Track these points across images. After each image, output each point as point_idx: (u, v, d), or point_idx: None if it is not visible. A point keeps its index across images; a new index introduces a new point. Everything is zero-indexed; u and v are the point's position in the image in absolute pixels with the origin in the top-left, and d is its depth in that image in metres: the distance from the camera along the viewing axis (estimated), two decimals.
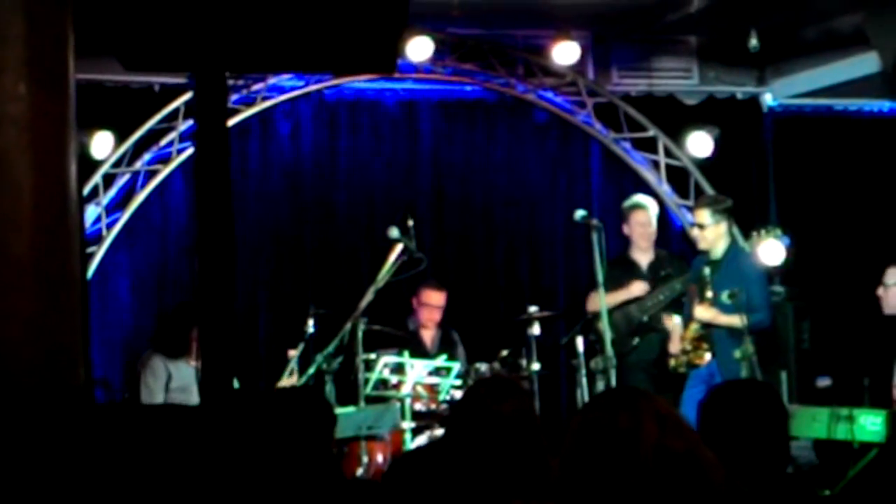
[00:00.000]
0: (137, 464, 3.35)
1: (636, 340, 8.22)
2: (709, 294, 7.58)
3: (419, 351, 8.19)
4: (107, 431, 3.25)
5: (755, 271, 7.84)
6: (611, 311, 8.28)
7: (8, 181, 2.99)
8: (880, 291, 7.24)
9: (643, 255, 8.44)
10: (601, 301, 7.77)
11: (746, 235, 8.84)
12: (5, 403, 2.84)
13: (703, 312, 7.60)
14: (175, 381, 7.18)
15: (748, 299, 7.48)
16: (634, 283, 8.28)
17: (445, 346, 8.52)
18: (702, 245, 7.83)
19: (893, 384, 7.16)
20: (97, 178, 8.72)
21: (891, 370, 7.29)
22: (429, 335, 8.57)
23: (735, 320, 7.37)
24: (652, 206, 8.51)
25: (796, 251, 8.64)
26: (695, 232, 7.93)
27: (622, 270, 8.45)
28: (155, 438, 3.45)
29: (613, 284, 8.36)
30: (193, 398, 7.00)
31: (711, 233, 7.75)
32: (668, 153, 9.69)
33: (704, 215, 7.78)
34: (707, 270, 7.63)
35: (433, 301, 8.49)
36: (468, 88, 9.63)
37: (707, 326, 7.63)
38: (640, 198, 8.60)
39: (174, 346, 7.19)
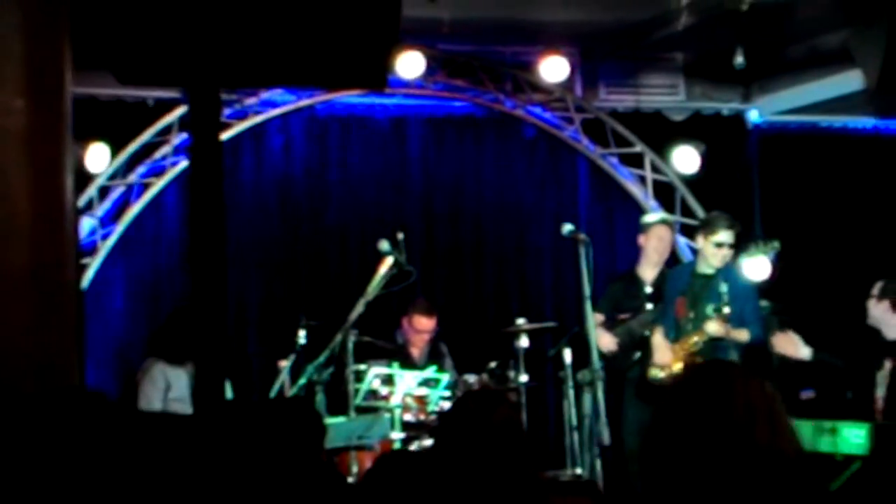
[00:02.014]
0: (127, 471, 3.41)
1: (637, 355, 8.25)
2: (726, 310, 7.56)
3: (407, 363, 8.23)
4: (100, 435, 3.31)
5: (748, 287, 7.88)
6: (612, 327, 8.37)
7: (5, 193, 3.06)
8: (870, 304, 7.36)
9: (650, 271, 8.46)
10: (588, 314, 7.82)
11: (739, 249, 8.93)
12: (2, 413, 2.89)
13: (718, 328, 7.60)
14: (174, 391, 7.17)
15: (742, 314, 7.53)
16: (603, 337, 8.31)
17: (433, 357, 8.56)
18: (719, 263, 7.77)
19: (876, 397, 7.23)
20: (92, 191, 8.77)
21: (873, 383, 7.35)
22: (417, 349, 8.63)
23: (744, 335, 7.46)
24: (674, 226, 8.58)
25: (781, 266, 8.70)
26: (724, 251, 7.84)
27: (625, 285, 8.53)
28: (146, 446, 3.51)
29: (615, 299, 8.46)
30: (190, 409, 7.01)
31: (731, 251, 7.82)
32: (654, 169, 9.76)
33: (732, 235, 7.80)
34: (724, 287, 7.61)
35: (423, 326, 8.53)
36: (458, 104, 9.70)
37: (714, 340, 7.64)
38: (665, 215, 8.69)
39: (175, 353, 7.17)
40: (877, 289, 7.32)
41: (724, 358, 7.39)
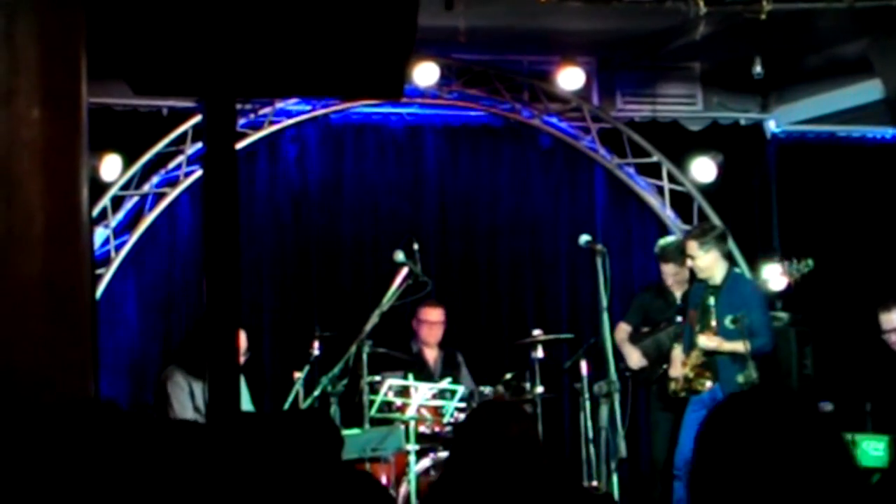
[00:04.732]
0: (142, 484, 3.37)
1: (665, 367, 8.21)
2: (713, 322, 7.57)
3: (423, 372, 8.21)
4: (114, 446, 3.27)
5: (756, 296, 7.86)
6: (641, 339, 8.35)
7: (21, 204, 3.03)
8: (893, 339, 7.32)
9: (678, 287, 8.47)
10: (604, 325, 7.80)
11: (752, 263, 8.89)
12: (16, 421, 2.87)
13: (707, 341, 7.59)
14: (196, 399, 7.20)
15: (750, 324, 7.50)
16: (633, 355, 8.33)
17: (449, 367, 8.52)
18: (699, 275, 7.84)
19: None
20: (106, 201, 8.76)
21: (893, 397, 7.31)
22: (432, 355, 8.58)
23: (739, 346, 7.38)
24: (681, 254, 8.41)
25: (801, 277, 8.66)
26: (688, 263, 7.95)
27: (655, 296, 8.52)
28: (160, 458, 3.48)
29: (644, 310, 8.46)
30: None
31: (703, 262, 7.76)
32: (671, 178, 9.72)
33: (692, 247, 7.79)
34: (712, 300, 7.62)
35: (431, 317, 8.51)
36: (473, 113, 9.68)
37: (710, 354, 7.63)
38: (667, 245, 8.58)
39: (196, 365, 7.18)
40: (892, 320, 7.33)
41: (738, 369, 7.36)
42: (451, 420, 7.75)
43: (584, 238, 8.03)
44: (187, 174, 8.98)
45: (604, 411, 7.84)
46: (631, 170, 9.76)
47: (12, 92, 2.97)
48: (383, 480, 7.30)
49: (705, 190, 9.63)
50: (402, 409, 7.66)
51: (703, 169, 9.54)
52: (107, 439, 2.57)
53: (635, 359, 8.33)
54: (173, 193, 8.98)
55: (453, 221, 9.63)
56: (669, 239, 8.74)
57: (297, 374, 7.68)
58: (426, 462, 7.50)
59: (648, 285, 8.82)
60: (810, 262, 8.10)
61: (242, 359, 7.30)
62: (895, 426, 7.20)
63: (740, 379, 7.31)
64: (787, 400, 2.23)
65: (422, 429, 7.67)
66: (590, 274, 8.13)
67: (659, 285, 8.58)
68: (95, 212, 8.59)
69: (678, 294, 8.42)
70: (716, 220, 9.38)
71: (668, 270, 8.44)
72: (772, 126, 10.14)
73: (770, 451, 2.14)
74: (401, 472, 7.35)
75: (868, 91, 9.24)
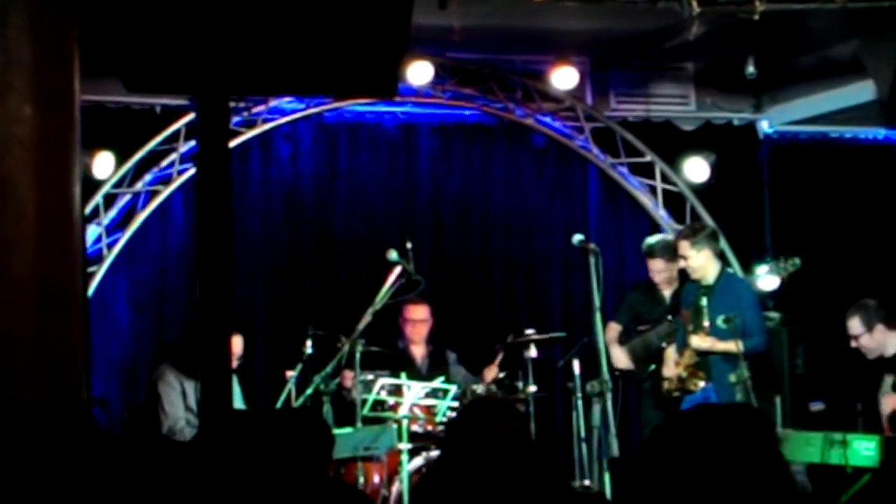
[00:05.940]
0: (135, 487, 3.37)
1: (653, 367, 8.22)
2: (706, 323, 7.57)
3: (412, 371, 8.20)
4: (106, 457, 3.28)
5: (749, 295, 7.87)
6: (631, 338, 8.36)
7: (12, 202, 3.02)
8: (854, 344, 7.34)
9: (667, 285, 8.49)
10: (597, 324, 7.80)
11: (744, 263, 8.89)
12: (7, 426, 2.86)
13: (700, 342, 7.60)
14: (188, 398, 7.20)
15: (743, 324, 7.51)
16: (620, 356, 8.37)
17: (437, 365, 8.51)
18: (692, 275, 7.85)
19: (882, 413, 7.21)
20: (98, 199, 8.74)
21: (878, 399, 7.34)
22: (419, 352, 8.57)
23: (732, 346, 7.39)
24: (670, 251, 8.35)
25: (791, 277, 8.68)
26: (681, 264, 7.95)
27: (644, 295, 8.53)
28: (153, 460, 3.48)
29: (634, 309, 8.46)
30: None
31: (695, 262, 7.76)
32: (664, 178, 9.73)
33: (684, 247, 7.79)
34: (704, 300, 7.63)
35: (415, 315, 8.50)
36: (467, 112, 9.68)
37: (703, 354, 7.64)
38: (655, 242, 8.58)
39: (190, 364, 7.18)
40: (854, 327, 7.33)
41: (730, 369, 7.37)
42: (444, 419, 7.75)
43: (578, 237, 8.03)
44: (180, 172, 8.97)
45: (596, 410, 7.85)
46: (624, 169, 9.78)
47: (5, 88, 2.95)
48: (375, 479, 7.31)
49: (698, 190, 9.64)
50: (394, 407, 7.65)
51: (696, 169, 9.55)
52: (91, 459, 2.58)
53: (621, 360, 8.35)
54: (166, 191, 8.97)
55: (447, 220, 9.64)
56: (656, 236, 8.76)
57: (290, 373, 7.67)
58: (418, 461, 7.49)
59: (637, 284, 8.82)
60: (797, 260, 8.11)
61: (236, 363, 7.30)
62: None
63: (732, 378, 7.32)
64: (726, 417, 2.26)
65: (414, 428, 7.67)
66: (583, 273, 8.13)
67: (648, 284, 8.59)
68: (88, 209, 8.58)
69: (667, 293, 8.43)
70: (708, 220, 9.40)
71: (656, 267, 8.44)
72: (764, 126, 10.17)
73: (709, 468, 2.16)
74: (393, 471, 7.34)
75: (860, 92, 9.26)
